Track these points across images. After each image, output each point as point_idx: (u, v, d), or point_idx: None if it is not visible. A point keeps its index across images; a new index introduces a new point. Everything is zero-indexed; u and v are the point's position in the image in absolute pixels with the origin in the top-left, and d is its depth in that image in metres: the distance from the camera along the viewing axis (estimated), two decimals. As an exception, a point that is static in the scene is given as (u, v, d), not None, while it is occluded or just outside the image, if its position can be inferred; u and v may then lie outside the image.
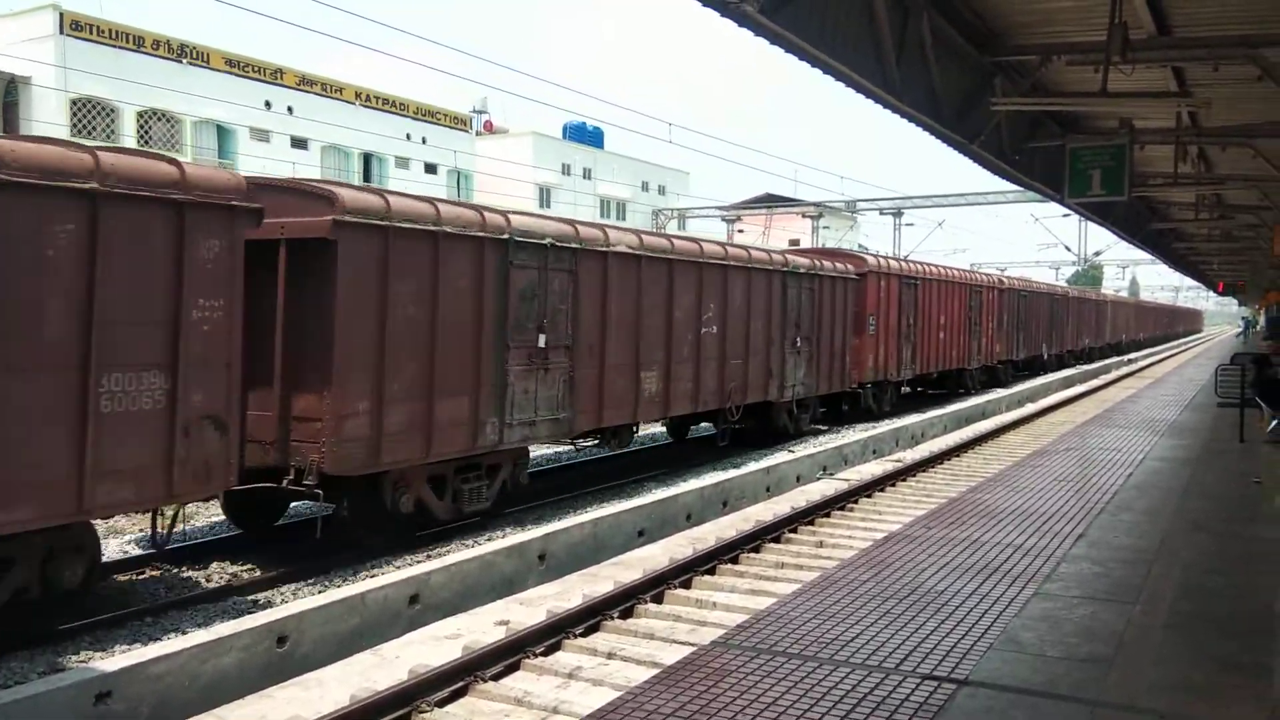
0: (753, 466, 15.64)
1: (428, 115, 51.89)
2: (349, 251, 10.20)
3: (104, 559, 9.52)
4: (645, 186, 66.15)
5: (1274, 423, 13.81)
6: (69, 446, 7.59)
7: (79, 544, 8.31)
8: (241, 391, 9.20)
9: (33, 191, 7.30)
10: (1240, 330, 75.39)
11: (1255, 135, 12.97)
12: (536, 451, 16.73)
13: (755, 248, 19.85)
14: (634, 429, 15.72)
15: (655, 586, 8.65)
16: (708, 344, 16.52)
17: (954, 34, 10.01)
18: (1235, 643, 5.56)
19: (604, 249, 13.85)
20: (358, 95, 47.99)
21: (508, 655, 6.90)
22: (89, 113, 37.78)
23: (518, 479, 12.92)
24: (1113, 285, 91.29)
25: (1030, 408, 26.10)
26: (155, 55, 39.23)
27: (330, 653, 7.58)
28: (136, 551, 10.84)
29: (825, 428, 22.06)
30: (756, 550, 10.30)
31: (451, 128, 53.44)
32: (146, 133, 39.47)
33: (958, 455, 17.20)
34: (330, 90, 46.64)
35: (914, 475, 15.04)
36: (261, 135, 42.77)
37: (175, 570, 10.37)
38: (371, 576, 9.74)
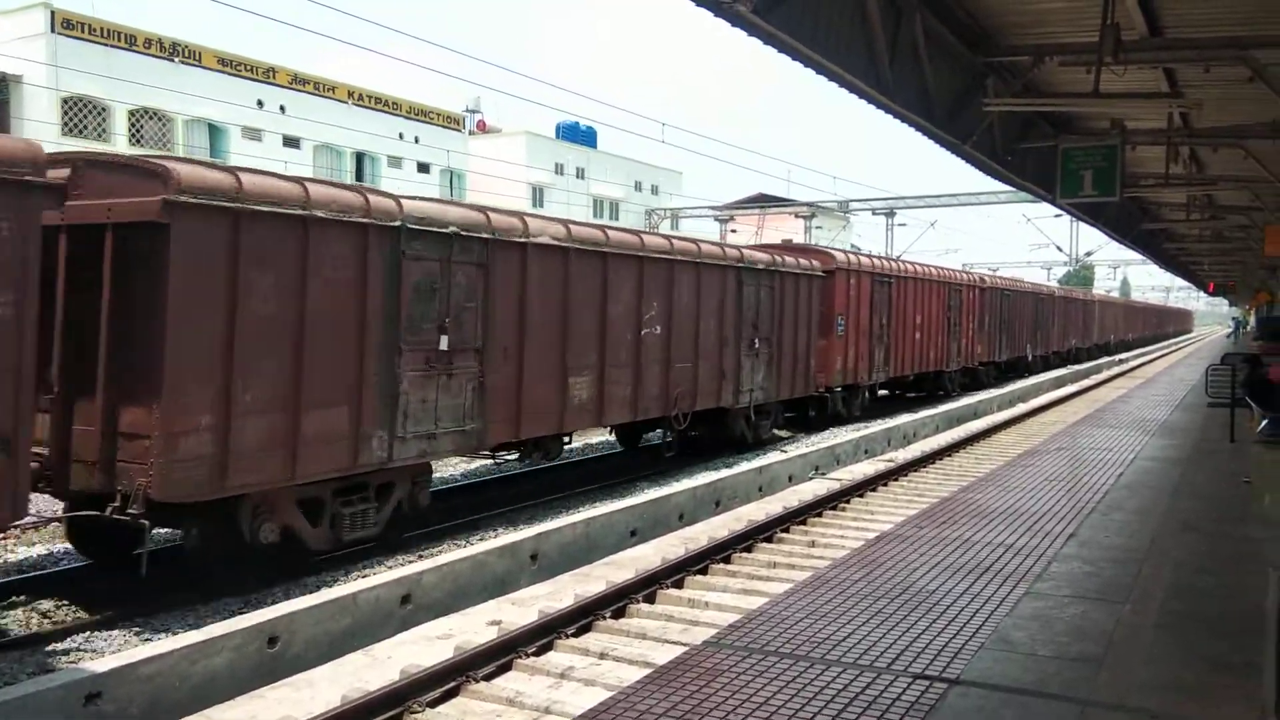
0: (745, 466, 15.63)
1: (421, 115, 51.82)
2: (186, 236, 8.72)
3: None
4: (638, 186, 66.11)
5: (1264, 422, 13.85)
6: None
7: None
8: (66, 404, 8.48)
9: None
10: (1231, 330, 75.68)
11: (1246, 136, 13.02)
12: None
13: (706, 240, 18.34)
14: (563, 440, 14.36)
15: (647, 586, 8.65)
16: (650, 346, 15.24)
17: (946, 34, 10.04)
18: (1226, 642, 5.58)
19: (522, 239, 12.47)
20: (350, 94, 47.90)
21: (500, 655, 6.88)
22: (81, 111, 37.66)
23: (417, 500, 11.47)
24: (1104, 285, 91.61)
25: (1022, 407, 26.15)
26: (147, 54, 39.11)
27: (322, 653, 7.57)
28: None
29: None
30: (749, 550, 10.31)
31: (444, 127, 53.38)
32: (138, 132, 39.36)
33: (949, 455, 17.23)
34: (323, 89, 46.55)
35: (906, 475, 15.05)
36: (254, 134, 42.68)
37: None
38: (363, 577, 9.73)
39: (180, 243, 8.71)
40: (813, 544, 10.65)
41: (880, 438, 20.04)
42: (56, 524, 10.73)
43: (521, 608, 8.14)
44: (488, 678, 6.64)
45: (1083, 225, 37.33)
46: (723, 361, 17.31)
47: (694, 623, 7.81)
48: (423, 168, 51.31)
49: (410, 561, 10.44)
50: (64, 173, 8.68)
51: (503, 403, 12.32)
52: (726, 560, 9.86)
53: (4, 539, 10.99)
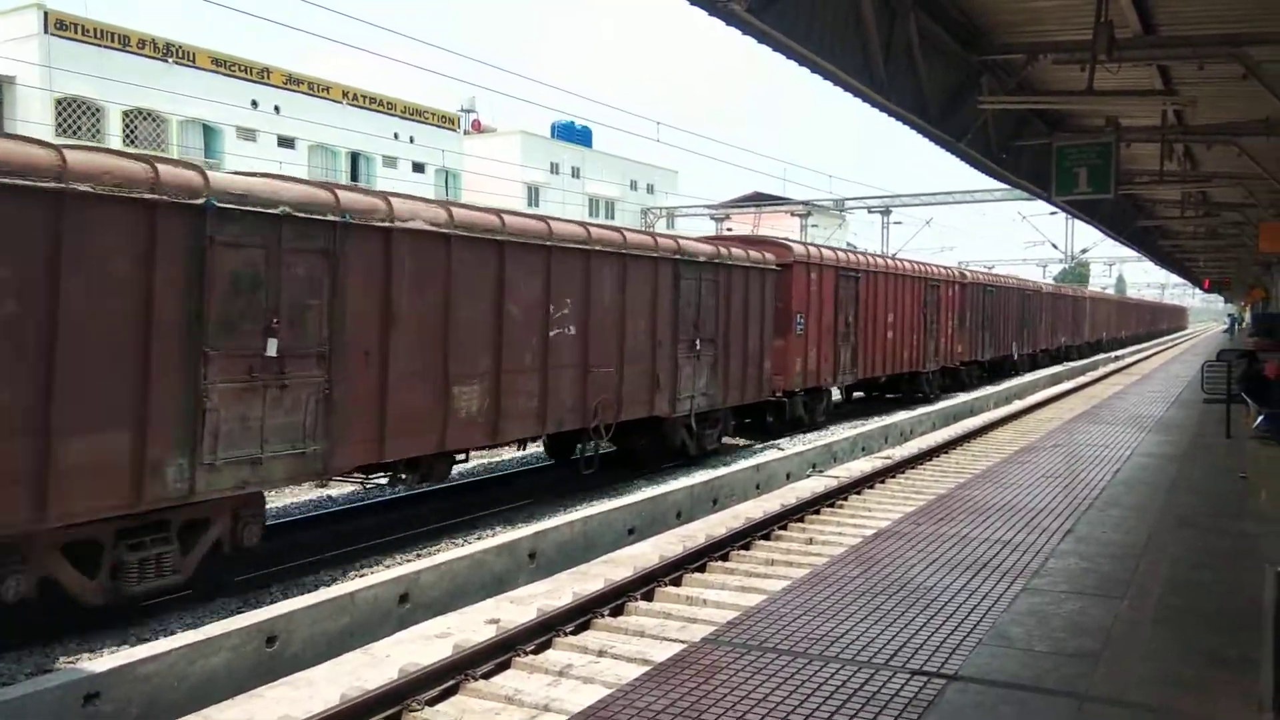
0: (743, 464, 15.65)
1: (415, 114, 51.76)
2: None
3: None
4: (634, 185, 66.13)
5: (1259, 418, 13.89)
6: None
7: None
8: None
9: None
10: (1226, 327, 75.85)
11: (1240, 133, 13.05)
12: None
13: (634, 229, 16.08)
14: (453, 459, 12.41)
15: (646, 584, 8.66)
16: (562, 348, 13.35)
17: (941, 32, 10.06)
18: (1223, 637, 5.60)
19: (385, 223, 10.62)
20: (345, 94, 47.83)
21: (498, 653, 6.89)
22: (74, 112, 37.57)
23: (242, 538, 9.52)
24: (1099, 283, 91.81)
25: (1018, 404, 26.18)
26: (141, 54, 39.02)
27: (320, 652, 7.57)
28: None
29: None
30: (746, 547, 10.32)
31: (439, 127, 53.32)
32: (132, 132, 39.29)
33: (946, 452, 17.26)
34: (317, 89, 46.48)
35: (903, 472, 15.08)
36: (248, 134, 42.61)
37: None
38: (361, 576, 9.73)
39: None
40: (810, 541, 10.67)
41: (877, 435, 20.06)
42: None
43: (520, 606, 8.15)
44: (486, 676, 6.64)
45: (1078, 222, 37.52)
46: (655, 365, 15.40)
47: (692, 620, 7.83)
48: (418, 168, 51.26)
49: (408, 560, 10.45)
50: None
51: (360, 418, 10.35)
52: (724, 558, 9.88)
53: None
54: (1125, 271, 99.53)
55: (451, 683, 6.46)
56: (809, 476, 15.47)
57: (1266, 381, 14.42)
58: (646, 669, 5.37)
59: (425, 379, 11.25)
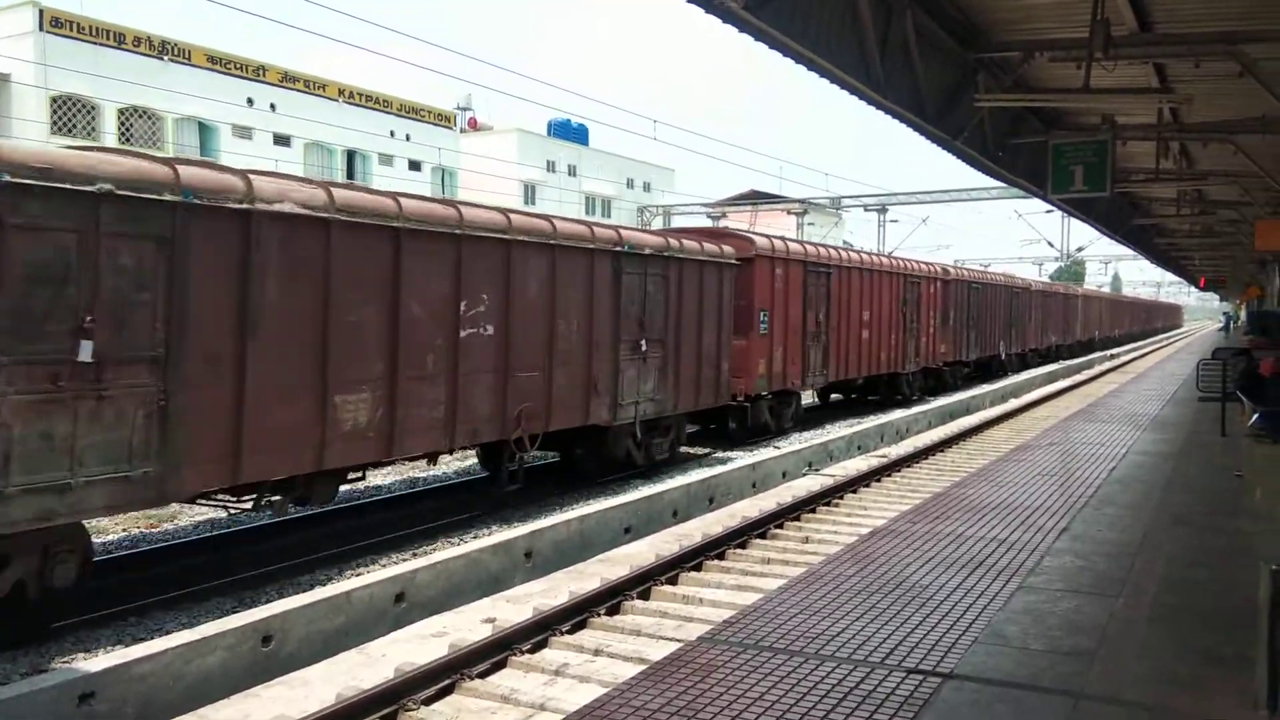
0: (739, 463, 15.65)
1: (412, 112, 51.74)
2: None
3: None
4: (630, 183, 66.15)
5: (1255, 416, 13.91)
6: None
7: None
8: None
9: None
10: (1222, 325, 75.98)
11: (1236, 131, 13.06)
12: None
13: (564, 218, 14.70)
14: (337, 478, 10.75)
15: (642, 583, 8.66)
16: (476, 351, 11.85)
17: (937, 30, 10.06)
18: (1218, 635, 5.60)
19: (243, 205, 9.08)
20: (341, 92, 47.81)
21: (494, 653, 6.89)
22: (70, 110, 37.51)
23: (51, 580, 8.13)
24: (1095, 281, 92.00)
25: (1014, 403, 26.22)
26: (136, 52, 38.97)
27: (316, 652, 7.56)
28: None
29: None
30: (743, 546, 10.33)
31: (436, 125, 53.30)
32: (128, 130, 39.23)
33: (942, 450, 17.27)
34: (313, 87, 46.45)
35: (899, 470, 15.09)
36: (244, 132, 42.57)
37: None
38: (356, 575, 9.72)
39: None
40: (806, 540, 10.67)
41: (873, 434, 20.08)
42: None
43: (516, 605, 8.14)
44: (482, 675, 6.64)
45: (1074, 221, 37.49)
46: (592, 368, 13.99)
47: (688, 619, 7.83)
48: (414, 165, 51.25)
49: (404, 560, 10.44)
50: None
51: (209, 434, 8.90)
52: (721, 556, 9.88)
53: None
54: (1121, 269, 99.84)
55: (447, 682, 6.45)
56: (805, 475, 15.48)
57: (1262, 380, 14.43)
58: (643, 668, 5.36)
59: (298, 387, 9.76)
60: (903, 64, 9.65)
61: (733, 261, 17.74)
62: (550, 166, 60.56)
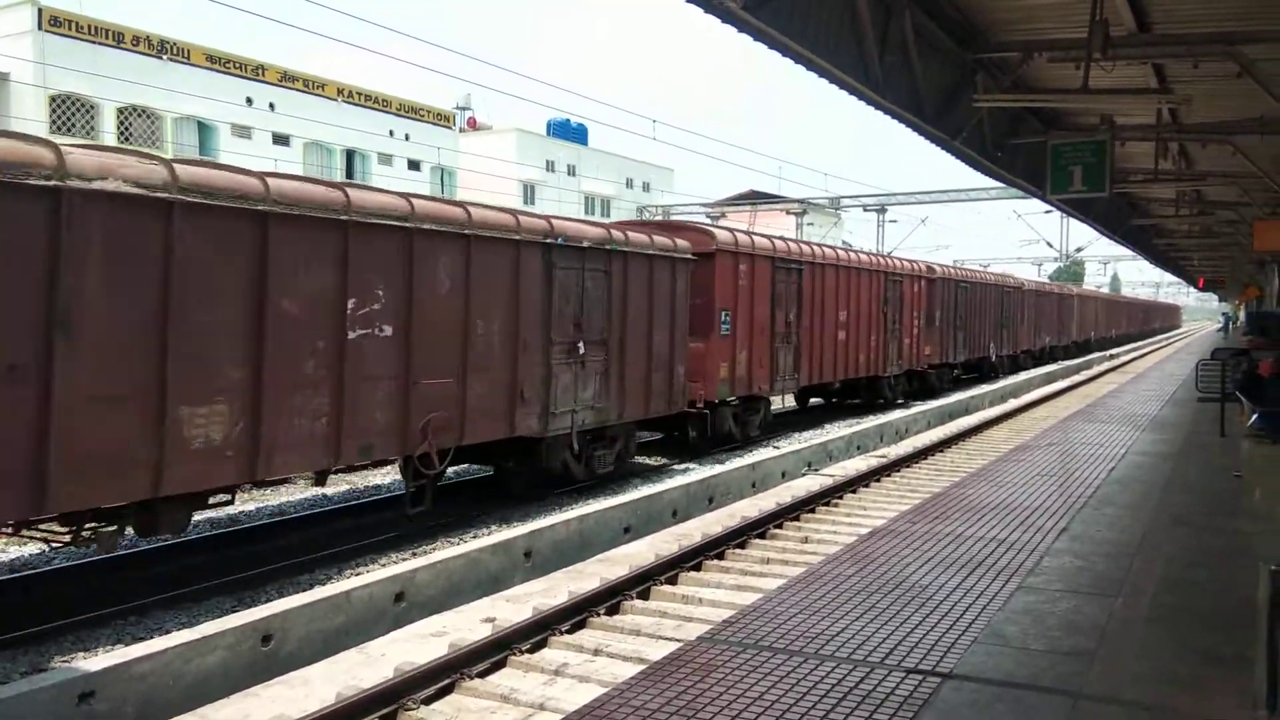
0: (738, 463, 15.66)
1: (411, 112, 51.74)
2: None
3: None
4: (630, 183, 66.15)
5: (1254, 417, 13.92)
6: None
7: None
8: None
9: None
10: (1221, 325, 76.02)
11: (1235, 132, 13.08)
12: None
13: (482, 205, 13.02)
14: (190, 504, 9.23)
15: (642, 583, 8.66)
16: (370, 354, 10.44)
17: (936, 30, 10.07)
18: (1218, 635, 5.61)
19: (51, 182, 7.61)
20: (340, 92, 47.80)
21: (494, 652, 6.89)
22: (68, 110, 37.50)
23: None
24: (1095, 281, 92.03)
25: (1013, 403, 26.24)
26: (135, 51, 38.97)
27: (315, 651, 7.56)
28: None
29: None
30: (742, 546, 10.33)
31: (435, 124, 53.31)
32: (127, 129, 39.21)
33: (941, 450, 17.28)
34: (312, 87, 46.45)
35: (898, 470, 15.10)
36: (243, 132, 42.57)
37: None
38: (356, 575, 9.72)
39: None
40: (806, 540, 10.68)
41: (873, 434, 20.09)
42: None
43: (516, 605, 8.15)
44: (482, 675, 6.64)
45: (1073, 221, 37.48)
46: (518, 374, 12.51)
47: (688, 619, 7.83)
48: (413, 165, 51.25)
49: (404, 559, 10.44)
50: None
51: (5, 454, 7.49)
52: (720, 556, 9.88)
53: None
54: (1120, 270, 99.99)
55: (447, 682, 6.46)
56: (804, 475, 15.49)
57: (1261, 380, 14.44)
58: (642, 668, 5.36)
59: (127, 398, 8.27)
60: (901, 64, 9.66)
61: (688, 256, 16.19)
62: (549, 166, 60.57)
